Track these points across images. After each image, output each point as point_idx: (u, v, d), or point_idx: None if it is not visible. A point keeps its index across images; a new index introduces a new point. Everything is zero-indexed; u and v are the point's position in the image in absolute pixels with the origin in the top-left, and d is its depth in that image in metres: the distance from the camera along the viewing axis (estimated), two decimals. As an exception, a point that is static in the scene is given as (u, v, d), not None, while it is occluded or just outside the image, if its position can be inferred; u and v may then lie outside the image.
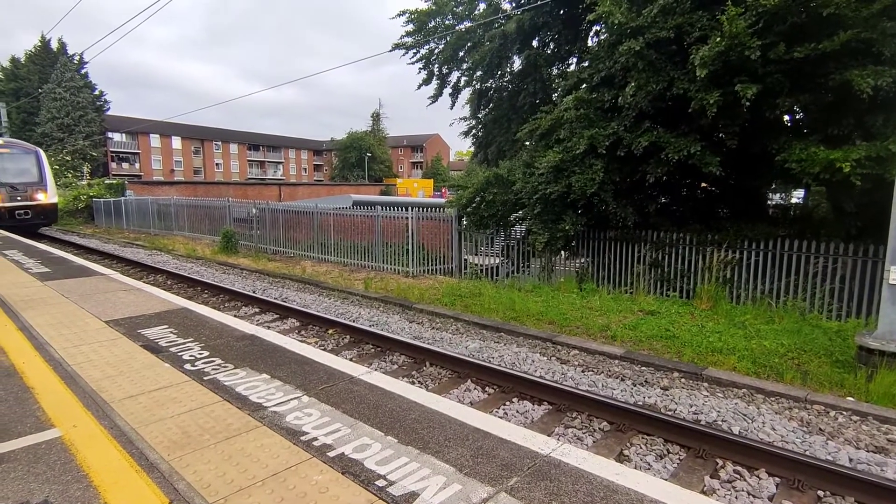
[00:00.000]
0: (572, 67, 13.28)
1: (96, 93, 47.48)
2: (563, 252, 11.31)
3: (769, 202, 11.86)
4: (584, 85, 9.93)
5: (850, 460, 4.14)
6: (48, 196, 20.23)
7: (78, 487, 2.22)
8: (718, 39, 7.27)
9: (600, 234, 10.47)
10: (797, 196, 14.50)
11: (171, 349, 4.06)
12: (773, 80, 7.64)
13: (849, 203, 7.97)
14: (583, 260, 11.06)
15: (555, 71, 13.90)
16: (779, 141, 8.02)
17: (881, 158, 6.76)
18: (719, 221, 9.89)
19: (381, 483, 2.21)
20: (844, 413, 4.95)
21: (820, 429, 4.70)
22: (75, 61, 44.55)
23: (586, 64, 10.55)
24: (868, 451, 4.30)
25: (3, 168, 19.54)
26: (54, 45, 46.54)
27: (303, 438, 2.61)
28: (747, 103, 7.27)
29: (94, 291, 6.23)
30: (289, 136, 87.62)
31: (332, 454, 2.46)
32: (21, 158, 20.29)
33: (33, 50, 46.75)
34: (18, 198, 19.23)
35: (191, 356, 3.89)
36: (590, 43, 12.66)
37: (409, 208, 13.12)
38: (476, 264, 12.65)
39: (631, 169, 9.40)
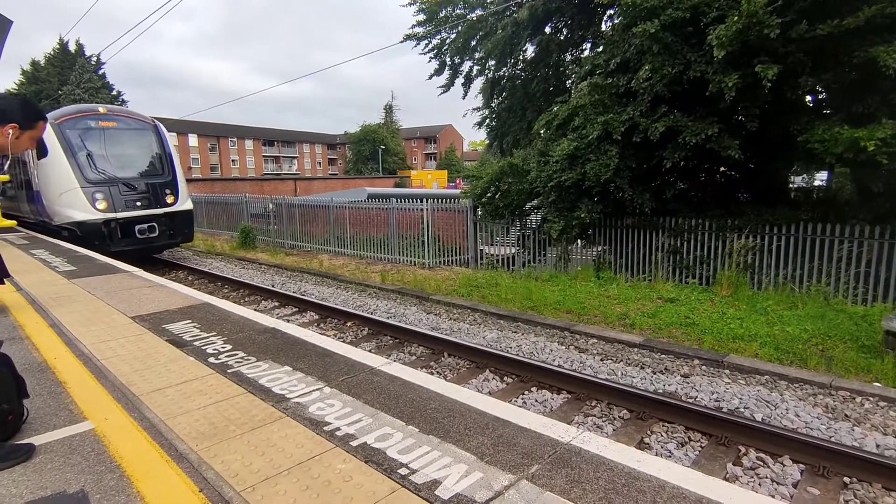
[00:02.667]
0: (586, 53, 13.09)
1: (114, 93, 48.22)
2: (579, 241, 11.23)
3: (791, 185, 11.60)
4: (599, 71, 9.80)
5: (878, 446, 4.08)
6: (179, 199, 12.84)
7: (112, 477, 2.29)
8: (736, 18, 7.09)
9: (617, 221, 10.37)
10: (820, 178, 14.15)
11: (194, 343, 4.15)
12: (794, 60, 7.44)
13: (875, 184, 7.76)
14: (600, 248, 10.97)
15: (568, 57, 13.72)
16: (801, 121, 7.83)
17: (908, 137, 6.56)
18: (739, 206, 9.71)
19: (403, 471, 2.25)
20: (871, 399, 4.87)
21: (845, 415, 4.62)
22: (93, 62, 45.25)
23: (601, 49, 10.39)
24: (896, 437, 4.23)
25: (107, 155, 12.19)
26: (72, 46, 47.33)
27: (325, 429, 2.66)
28: (768, 84, 7.09)
29: (119, 288, 6.38)
30: (302, 130, 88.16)
31: (354, 444, 2.50)
32: (135, 138, 12.93)
33: (52, 52, 47.60)
34: (137, 203, 12.01)
35: (214, 350, 3.97)
36: (604, 28, 12.47)
37: (424, 200, 13.13)
38: (492, 254, 12.64)
39: (647, 154, 9.27)
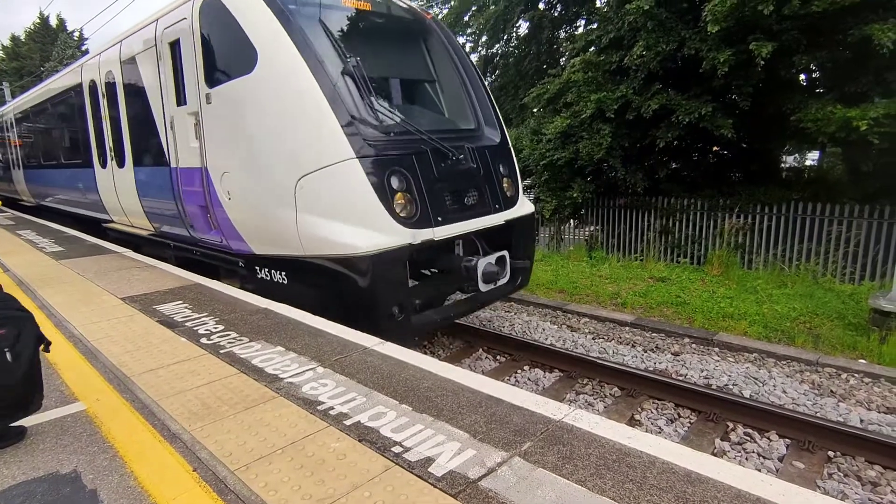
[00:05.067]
0: (580, 30, 12.91)
1: (98, 70, 47.01)
2: (571, 220, 11.25)
3: (783, 165, 11.64)
4: (592, 47, 9.68)
5: (862, 421, 4.17)
6: (519, 187, 5.87)
7: (105, 458, 2.29)
8: (732, -6, 7.00)
9: (609, 201, 10.37)
10: (812, 158, 14.19)
11: (186, 324, 4.12)
12: (789, 38, 7.38)
13: (865, 163, 7.80)
14: (592, 228, 10.99)
15: (562, 34, 13.54)
16: (794, 100, 7.81)
17: (900, 116, 6.57)
18: (731, 186, 9.74)
19: (397, 449, 2.26)
20: (856, 375, 4.96)
21: (831, 391, 4.72)
22: (75, 38, 44.06)
23: (594, 26, 10.25)
24: (879, 412, 4.33)
25: (379, 78, 5.19)
26: (53, 21, 46.00)
27: (319, 408, 2.66)
28: (762, 62, 7.05)
29: (109, 269, 6.30)
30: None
31: (348, 422, 2.51)
32: (415, 45, 5.90)
33: (33, 27, 46.25)
34: (466, 199, 4.99)
35: (206, 330, 3.95)
36: (598, 4, 12.28)
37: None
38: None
39: (640, 133, 9.23)
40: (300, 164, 4.46)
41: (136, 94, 6.67)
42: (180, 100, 5.69)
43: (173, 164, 6.01)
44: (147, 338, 3.82)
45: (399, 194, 4.53)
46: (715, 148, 10.84)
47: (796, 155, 13.60)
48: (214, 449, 2.31)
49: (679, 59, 8.29)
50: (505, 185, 5.55)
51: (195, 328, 4.01)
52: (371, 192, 4.34)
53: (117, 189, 7.76)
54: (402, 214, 4.48)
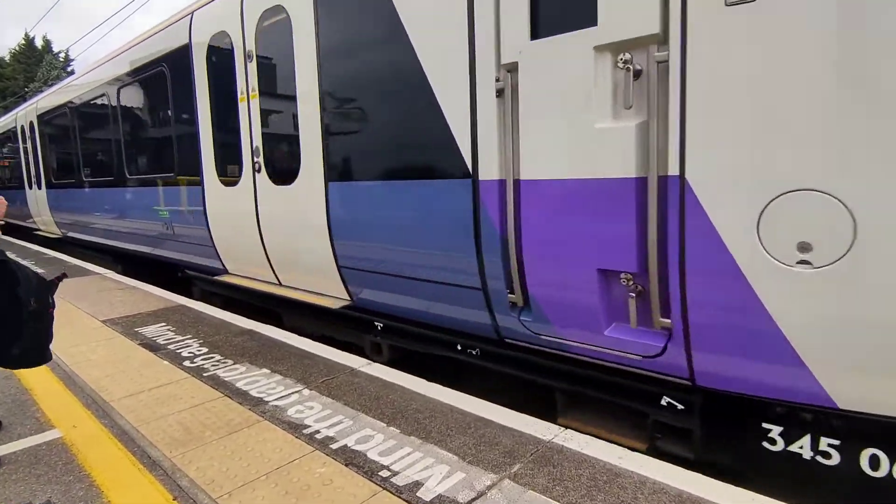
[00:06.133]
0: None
1: (84, 90, 46.78)
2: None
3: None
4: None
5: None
6: None
7: (80, 487, 2.21)
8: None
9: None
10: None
11: (169, 346, 4.04)
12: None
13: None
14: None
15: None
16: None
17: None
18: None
19: (384, 474, 2.22)
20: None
21: (818, 407, 4.74)
22: (61, 59, 43.99)
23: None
24: (865, 428, 4.35)
25: None
26: (39, 42, 45.93)
27: (305, 432, 2.61)
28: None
29: (90, 291, 6.19)
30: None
31: (334, 446, 2.46)
32: None
33: (17, 48, 46.11)
34: None
35: (189, 353, 3.88)
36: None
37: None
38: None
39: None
40: None
41: (369, 33, 3.46)
42: (561, 21, 2.51)
43: (487, 175, 2.87)
44: (128, 361, 3.74)
45: None
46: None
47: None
48: (196, 476, 2.24)
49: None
50: None
51: (178, 351, 3.94)
52: None
53: (263, 220, 4.57)
54: None
